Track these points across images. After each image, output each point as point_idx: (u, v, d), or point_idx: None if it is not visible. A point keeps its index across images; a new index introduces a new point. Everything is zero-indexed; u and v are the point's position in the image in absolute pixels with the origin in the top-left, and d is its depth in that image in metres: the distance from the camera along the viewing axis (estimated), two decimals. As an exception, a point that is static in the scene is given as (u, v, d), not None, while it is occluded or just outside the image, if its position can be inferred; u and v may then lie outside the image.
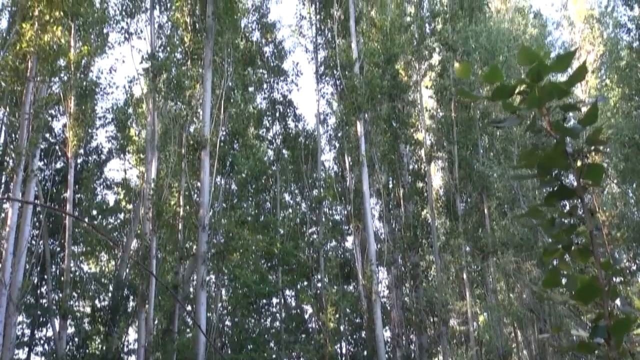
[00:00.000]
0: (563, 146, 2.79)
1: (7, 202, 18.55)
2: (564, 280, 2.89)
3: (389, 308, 25.94)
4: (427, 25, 30.30)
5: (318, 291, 26.45)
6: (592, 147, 2.82)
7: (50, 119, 24.15)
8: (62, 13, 18.33)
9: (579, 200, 2.83)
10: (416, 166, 30.90)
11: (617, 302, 2.98)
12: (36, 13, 18.20)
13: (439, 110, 30.25)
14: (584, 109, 2.92)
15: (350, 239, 28.87)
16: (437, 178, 33.57)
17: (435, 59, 30.81)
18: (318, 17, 28.22)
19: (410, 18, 30.66)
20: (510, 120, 2.93)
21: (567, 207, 2.94)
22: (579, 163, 2.84)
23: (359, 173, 24.91)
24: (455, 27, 28.48)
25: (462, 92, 3.17)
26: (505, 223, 26.07)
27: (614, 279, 2.75)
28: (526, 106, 2.85)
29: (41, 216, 24.04)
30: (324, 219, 28.44)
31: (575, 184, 2.84)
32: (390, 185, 29.06)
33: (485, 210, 26.30)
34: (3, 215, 20.64)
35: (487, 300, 26.01)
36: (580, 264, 3.12)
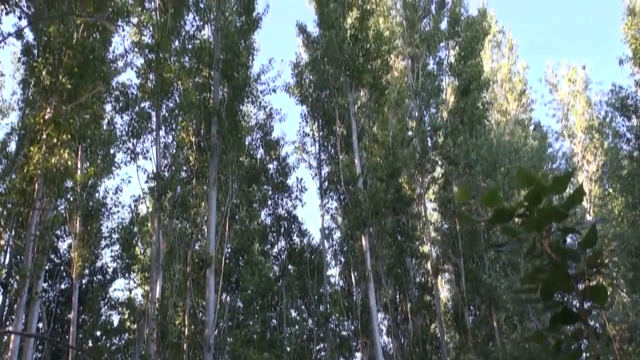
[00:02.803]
0: (565, 269, 2.78)
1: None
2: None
3: None
4: (428, 139, 30.76)
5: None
6: (594, 270, 2.80)
7: (55, 239, 24.22)
8: (69, 136, 18.64)
9: (584, 324, 2.79)
10: (423, 279, 30.68)
11: None
12: (44, 136, 18.51)
13: (443, 222, 30.30)
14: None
15: (358, 355, 28.31)
16: (444, 291, 33.27)
17: (438, 171, 31.12)
18: (321, 133, 28.68)
19: (412, 132, 31.18)
20: (510, 243, 2.92)
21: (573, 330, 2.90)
22: (582, 285, 2.81)
23: (365, 288, 24.71)
24: (457, 140, 28.90)
25: (462, 215, 3.19)
26: (515, 336, 25.63)
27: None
28: (525, 230, 2.85)
29: (44, 344, 23.70)
30: (331, 335, 27.97)
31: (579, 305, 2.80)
32: (398, 300, 28.77)
33: (495, 323, 25.92)
34: (5, 338, 20.35)
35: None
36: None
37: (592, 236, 2.76)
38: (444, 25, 33.19)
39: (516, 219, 2.97)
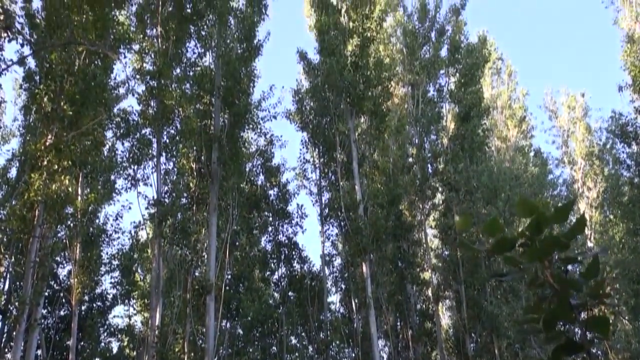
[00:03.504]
0: (567, 299, 2.76)
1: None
2: None
3: None
4: (429, 165, 30.81)
5: None
6: (597, 301, 2.78)
7: (55, 266, 24.16)
8: (70, 162, 18.64)
9: (587, 354, 2.76)
10: (424, 306, 30.56)
11: None
12: (45, 163, 18.51)
13: (444, 249, 30.24)
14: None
15: (359, 383, 28.10)
16: (445, 318, 33.11)
17: (439, 198, 31.11)
18: (321, 160, 28.71)
19: (412, 159, 31.22)
20: (512, 274, 2.91)
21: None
22: (584, 315, 2.79)
23: (366, 315, 24.60)
24: (457, 167, 28.94)
25: (463, 244, 3.16)
26: (517, 364, 25.49)
27: None
28: (527, 260, 2.84)
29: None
30: (331, 363, 27.80)
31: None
32: (398, 327, 28.64)
33: (496, 351, 25.76)
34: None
35: None
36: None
37: (594, 267, 2.75)
38: (444, 52, 33.42)
39: (518, 248, 2.96)
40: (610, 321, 2.93)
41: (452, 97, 32.18)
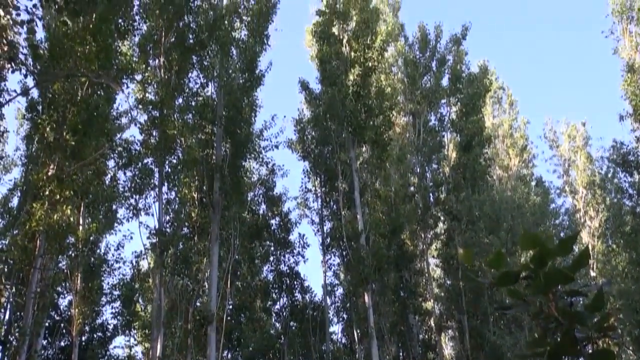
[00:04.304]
0: (572, 333, 2.74)
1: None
2: None
3: None
4: (430, 195, 30.81)
5: None
6: (601, 334, 2.76)
7: (56, 296, 24.05)
8: (72, 192, 18.64)
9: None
10: (426, 336, 30.37)
11: None
12: (46, 192, 18.50)
13: (446, 279, 30.13)
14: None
15: (361, 414, 27.83)
16: (448, 348, 32.88)
17: (441, 227, 31.06)
18: (323, 189, 28.71)
19: (414, 188, 31.22)
20: (517, 307, 2.89)
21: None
22: (589, 348, 2.77)
23: (368, 345, 24.43)
24: (459, 196, 28.93)
25: (467, 277, 3.16)
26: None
27: None
28: (531, 293, 2.82)
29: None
30: (333, 395, 27.57)
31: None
32: (401, 357, 28.43)
33: (500, 382, 25.54)
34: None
35: None
36: None
37: (599, 301, 2.73)
38: (445, 81, 33.59)
39: (521, 281, 2.94)
40: (615, 353, 2.90)
41: (453, 126, 32.28)
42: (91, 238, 23.57)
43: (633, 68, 27.35)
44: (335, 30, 29.17)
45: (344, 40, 29.12)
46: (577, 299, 3.06)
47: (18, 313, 22.76)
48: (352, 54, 28.65)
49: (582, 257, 2.83)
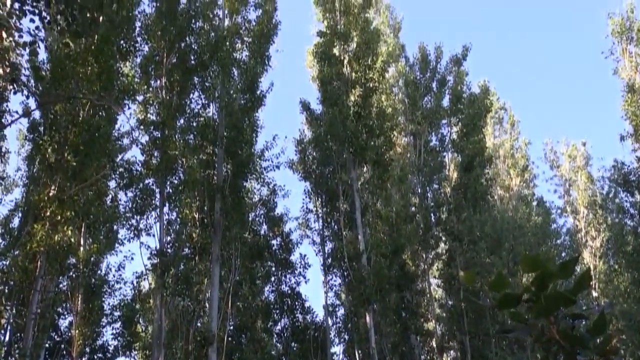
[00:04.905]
0: (574, 355, 2.73)
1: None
2: None
3: None
4: (432, 215, 30.79)
5: None
6: (604, 357, 2.75)
7: (56, 317, 23.96)
8: (73, 213, 18.63)
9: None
10: (428, 357, 30.21)
11: None
12: (48, 213, 18.49)
13: (448, 299, 30.04)
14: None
15: None
16: (450, 369, 32.69)
17: (442, 247, 31.01)
18: (324, 209, 28.68)
19: (415, 208, 31.21)
20: (518, 330, 2.88)
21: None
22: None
23: (369, 366, 24.30)
24: (460, 216, 28.91)
25: (468, 299, 3.16)
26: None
27: None
28: (533, 316, 2.81)
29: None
30: (335, 416, 27.41)
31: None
32: (403, 378, 28.25)
33: (502, 403, 25.39)
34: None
35: None
36: None
37: (601, 324, 2.72)
38: (445, 102, 33.68)
39: (523, 304, 2.93)
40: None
41: (454, 146, 32.33)
42: (92, 259, 23.53)
43: (633, 88, 27.43)
44: (336, 51, 29.28)
45: (345, 61, 29.22)
46: (580, 321, 3.05)
47: (18, 334, 22.67)
48: (353, 74, 28.75)
49: (583, 280, 2.82)
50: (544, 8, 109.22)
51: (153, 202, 22.89)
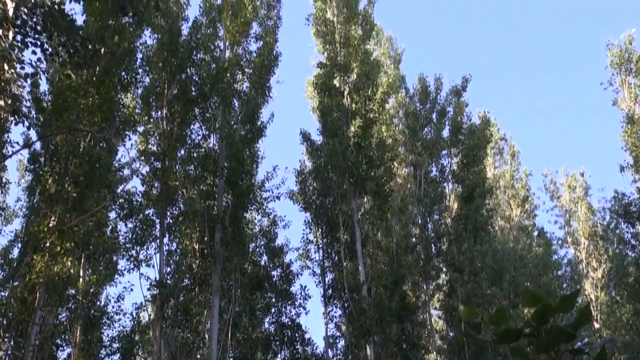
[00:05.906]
0: (576, 392, 2.71)
1: None
2: None
3: None
4: (432, 246, 30.71)
5: None
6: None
7: (55, 349, 23.79)
8: (73, 244, 18.59)
9: None
10: (429, 389, 29.97)
11: None
12: (47, 244, 18.45)
13: (449, 330, 29.86)
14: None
15: None
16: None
17: (443, 278, 30.90)
18: (325, 240, 28.62)
19: (416, 239, 31.15)
20: (519, 365, 2.86)
21: None
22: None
23: (370, 399, 24.10)
24: (461, 247, 28.84)
25: (468, 334, 3.12)
26: None
27: None
28: (534, 351, 2.80)
29: None
30: None
31: None
32: (404, 411, 27.97)
33: None
34: None
35: None
36: None
37: (602, 359, 2.71)
38: (445, 132, 33.77)
39: (524, 339, 2.92)
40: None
41: (454, 177, 32.37)
42: (91, 290, 23.41)
43: (633, 119, 27.52)
44: (336, 82, 29.43)
45: (345, 92, 29.36)
46: (581, 357, 3.02)
47: (16, 366, 22.52)
48: (353, 105, 28.86)
49: (584, 316, 2.81)
50: (544, 39, 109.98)
51: (153, 232, 22.83)
